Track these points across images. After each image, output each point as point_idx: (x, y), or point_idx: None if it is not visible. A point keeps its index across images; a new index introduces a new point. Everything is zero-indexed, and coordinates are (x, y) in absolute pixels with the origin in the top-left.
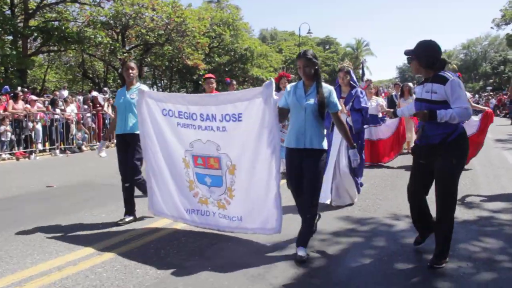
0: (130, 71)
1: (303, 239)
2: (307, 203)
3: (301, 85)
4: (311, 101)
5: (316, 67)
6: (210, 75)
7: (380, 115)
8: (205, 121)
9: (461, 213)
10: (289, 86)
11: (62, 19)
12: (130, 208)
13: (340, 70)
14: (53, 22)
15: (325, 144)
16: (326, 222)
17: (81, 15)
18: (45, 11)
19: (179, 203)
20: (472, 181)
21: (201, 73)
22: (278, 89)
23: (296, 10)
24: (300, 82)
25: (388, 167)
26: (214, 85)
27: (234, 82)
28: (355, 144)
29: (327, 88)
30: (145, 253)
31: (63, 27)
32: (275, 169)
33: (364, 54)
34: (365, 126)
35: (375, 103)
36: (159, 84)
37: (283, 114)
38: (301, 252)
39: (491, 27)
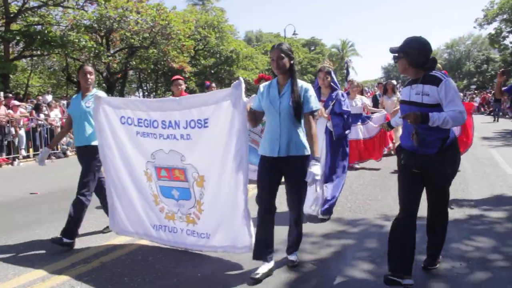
0: (88, 76)
1: (291, 245)
2: (291, 219)
3: (275, 84)
4: (286, 102)
5: (292, 62)
6: (178, 76)
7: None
8: (167, 128)
9: (452, 212)
10: (262, 86)
11: (45, 23)
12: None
13: (319, 70)
14: (35, 26)
15: (305, 150)
16: (317, 224)
17: (65, 19)
18: (27, 14)
19: (145, 219)
20: (462, 179)
21: (186, 76)
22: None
23: (281, 12)
24: (274, 80)
25: (375, 169)
26: (183, 87)
27: (214, 85)
28: (318, 155)
29: (303, 86)
30: (110, 276)
31: (46, 31)
32: (242, 183)
33: (349, 54)
34: (346, 132)
35: (360, 102)
36: (145, 88)
37: (256, 117)
38: (292, 257)
39: (474, 27)
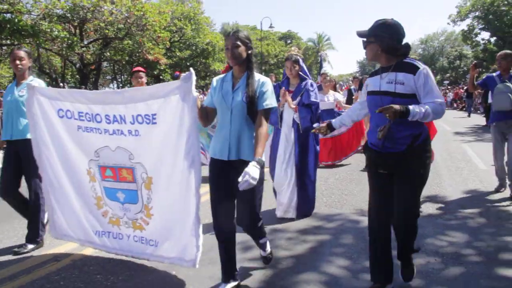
0: (17, 62)
1: (258, 244)
2: (246, 228)
3: (229, 77)
4: (239, 97)
5: (250, 52)
6: (139, 68)
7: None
8: (112, 123)
9: (426, 207)
10: (215, 79)
11: (14, 11)
12: (34, 233)
13: (286, 59)
14: (4, 14)
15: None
16: (292, 219)
17: (36, 7)
18: None
19: (87, 224)
20: (436, 174)
21: (162, 68)
22: None
23: (258, 5)
24: (229, 73)
25: (346, 164)
26: (144, 80)
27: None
28: (261, 158)
29: (260, 80)
30: None
31: (16, 20)
32: (194, 187)
33: (325, 48)
34: (315, 125)
35: (332, 98)
36: (119, 79)
37: (208, 115)
38: (263, 253)
39: (448, 23)
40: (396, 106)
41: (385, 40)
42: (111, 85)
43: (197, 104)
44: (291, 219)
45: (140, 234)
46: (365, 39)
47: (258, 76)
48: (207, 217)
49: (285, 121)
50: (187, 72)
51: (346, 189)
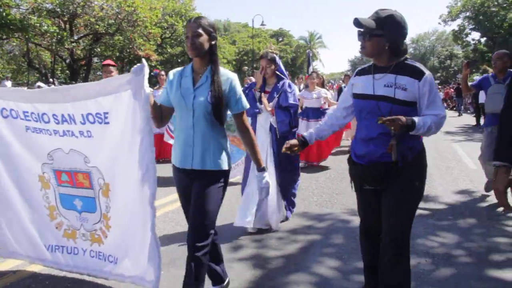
0: None
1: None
2: (190, 241)
3: (189, 71)
4: (202, 97)
5: (213, 43)
6: (108, 61)
7: (326, 105)
8: (61, 123)
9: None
10: (172, 73)
11: (2, 4)
12: None
13: (261, 57)
14: None
15: (225, 163)
16: (283, 219)
17: (25, 1)
18: None
19: (38, 238)
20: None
21: (153, 64)
22: None
23: (249, 2)
24: (188, 67)
25: (337, 163)
26: (114, 73)
27: (163, 73)
28: (265, 165)
29: (227, 75)
30: None
31: (4, 14)
32: (148, 200)
33: (317, 46)
34: (294, 130)
35: (316, 95)
36: None
37: (162, 115)
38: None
39: (439, 23)
40: (403, 118)
41: (393, 35)
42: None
43: (150, 101)
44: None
45: (98, 248)
46: (368, 30)
47: (224, 72)
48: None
49: (261, 125)
50: (138, 64)
51: (337, 188)
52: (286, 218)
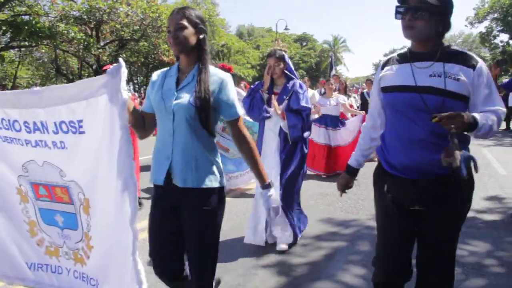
0: None
1: None
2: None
3: (174, 70)
4: (184, 98)
5: (202, 37)
6: (108, 66)
7: (349, 115)
8: (33, 132)
9: None
10: (156, 74)
11: (32, 13)
12: None
13: (269, 55)
14: (23, 17)
15: (213, 180)
16: (308, 225)
17: (53, 10)
18: (14, 4)
19: (19, 256)
20: None
21: None
22: None
23: (273, 6)
24: (175, 66)
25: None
26: None
27: None
28: (270, 180)
29: (217, 75)
30: None
31: (34, 22)
32: (128, 217)
33: (341, 50)
34: (305, 134)
35: (335, 102)
36: (135, 81)
37: (145, 124)
38: None
39: (465, 25)
40: (465, 114)
41: (447, 17)
42: (127, 87)
43: (129, 107)
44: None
45: (82, 269)
46: (427, 6)
47: (214, 71)
48: None
49: (271, 130)
50: (114, 64)
51: (362, 194)
52: (295, 239)
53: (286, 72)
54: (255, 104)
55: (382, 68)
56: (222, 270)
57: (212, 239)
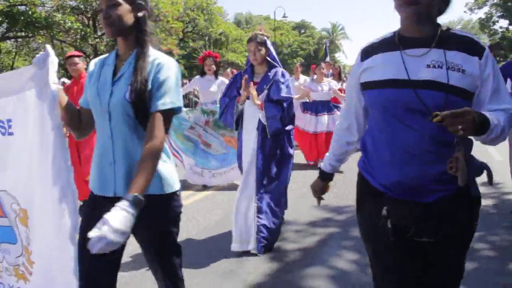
0: None
1: None
2: None
3: (112, 58)
4: (120, 93)
5: (141, 14)
6: (73, 52)
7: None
8: None
9: None
10: (93, 62)
11: (28, 3)
12: None
13: (249, 40)
14: (18, 7)
15: (164, 185)
16: (301, 211)
17: (49, 0)
18: None
19: None
20: None
21: (175, 59)
22: (202, 73)
23: None
24: (113, 52)
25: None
26: (80, 66)
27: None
28: (139, 194)
29: (159, 59)
30: None
31: (30, 12)
32: (68, 230)
33: (339, 38)
34: (288, 128)
35: (327, 87)
36: None
37: (82, 121)
38: None
39: (464, 11)
40: (473, 113)
41: None
42: (59, 80)
43: (61, 102)
44: (300, 211)
45: (25, 286)
46: None
47: (155, 55)
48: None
49: (248, 122)
50: (41, 53)
51: (355, 179)
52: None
53: (268, 59)
54: (228, 111)
55: (363, 58)
56: (215, 257)
57: (167, 244)
